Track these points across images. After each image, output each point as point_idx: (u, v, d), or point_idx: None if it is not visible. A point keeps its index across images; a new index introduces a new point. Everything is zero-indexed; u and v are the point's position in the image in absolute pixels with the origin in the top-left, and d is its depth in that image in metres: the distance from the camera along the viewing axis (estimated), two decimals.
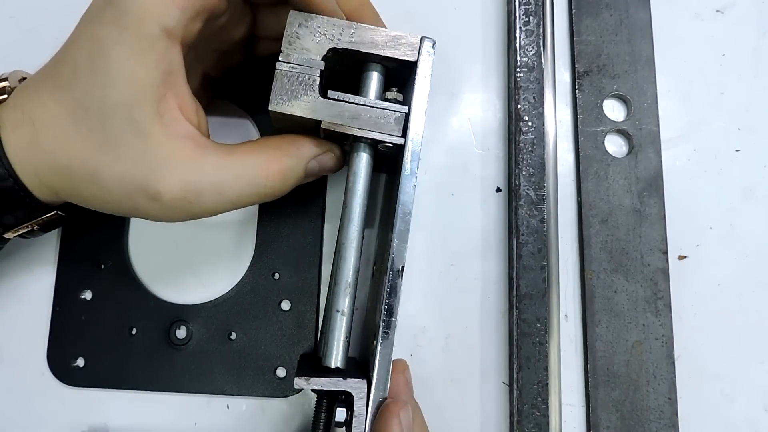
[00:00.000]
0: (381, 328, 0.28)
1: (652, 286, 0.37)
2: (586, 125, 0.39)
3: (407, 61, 0.30)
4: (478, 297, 0.37)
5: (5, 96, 0.29)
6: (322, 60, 0.29)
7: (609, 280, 0.37)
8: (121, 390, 0.35)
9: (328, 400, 0.30)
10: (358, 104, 0.29)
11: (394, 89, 0.31)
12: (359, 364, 0.33)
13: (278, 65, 0.29)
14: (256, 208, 0.38)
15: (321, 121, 0.29)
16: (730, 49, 0.42)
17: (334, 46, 0.29)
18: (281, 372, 0.35)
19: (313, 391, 0.29)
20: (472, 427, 0.36)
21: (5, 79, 0.31)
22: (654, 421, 0.35)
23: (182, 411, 0.36)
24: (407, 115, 0.30)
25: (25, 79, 0.32)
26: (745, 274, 0.39)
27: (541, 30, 0.38)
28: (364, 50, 0.30)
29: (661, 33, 0.41)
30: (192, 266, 0.37)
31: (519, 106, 0.37)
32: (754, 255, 0.39)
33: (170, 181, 0.27)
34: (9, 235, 0.31)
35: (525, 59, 0.38)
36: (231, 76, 0.36)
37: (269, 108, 0.29)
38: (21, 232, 0.32)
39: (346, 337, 0.29)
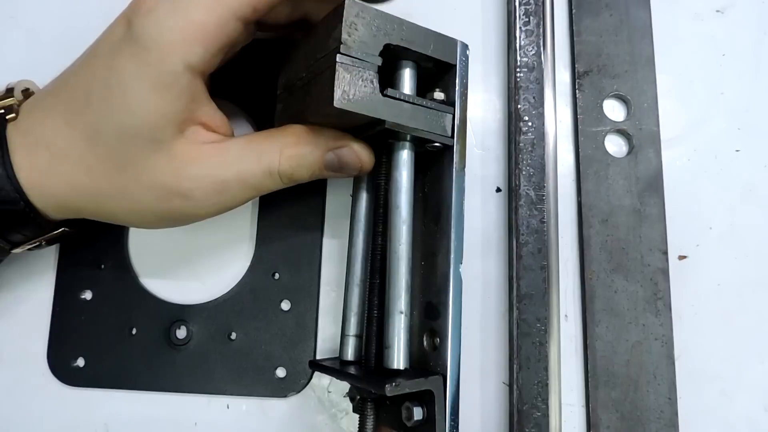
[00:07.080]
0: (451, 328, 0.29)
1: (652, 286, 0.37)
2: (586, 125, 0.39)
3: (448, 63, 0.30)
4: (478, 297, 0.37)
5: (13, 115, 0.29)
6: (379, 56, 0.27)
7: (609, 280, 0.37)
8: (121, 390, 0.35)
9: (374, 401, 0.30)
10: (414, 104, 0.28)
11: (437, 89, 0.30)
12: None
13: (339, 57, 0.26)
14: (256, 208, 0.38)
15: (384, 121, 0.27)
16: (730, 49, 0.42)
17: (389, 42, 0.28)
18: (281, 372, 0.35)
19: (391, 396, 0.27)
20: (472, 427, 0.36)
21: (11, 95, 0.30)
22: (654, 421, 0.35)
23: (182, 411, 0.36)
24: (453, 116, 0.30)
25: (28, 90, 0.32)
26: (745, 274, 0.39)
27: (541, 30, 0.38)
28: (414, 48, 0.28)
29: (661, 33, 0.41)
30: (192, 266, 0.37)
31: (519, 106, 0.37)
32: (754, 255, 0.39)
33: (199, 176, 0.28)
34: (17, 251, 0.32)
35: (525, 59, 0.38)
36: (230, 74, 0.36)
37: (334, 105, 0.26)
38: (28, 247, 0.32)
39: (408, 338, 0.29)
